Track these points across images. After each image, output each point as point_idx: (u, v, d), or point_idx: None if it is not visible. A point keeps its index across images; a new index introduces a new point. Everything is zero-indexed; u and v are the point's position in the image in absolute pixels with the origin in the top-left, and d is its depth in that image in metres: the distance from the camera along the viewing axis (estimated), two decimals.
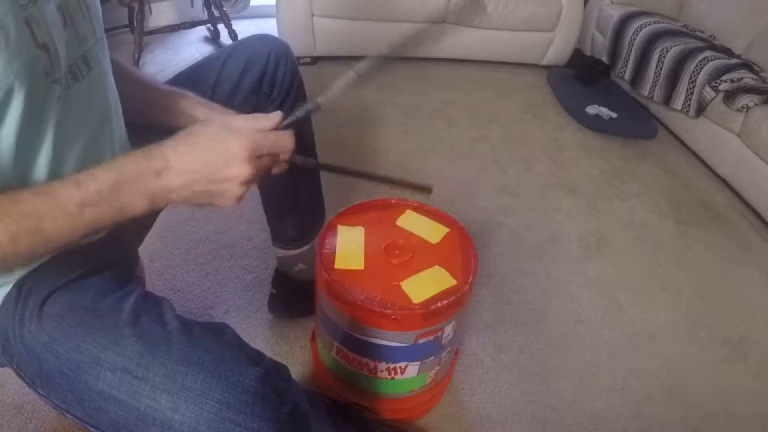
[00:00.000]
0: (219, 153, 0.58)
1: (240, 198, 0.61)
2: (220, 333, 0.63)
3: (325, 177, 1.17)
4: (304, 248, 1.20)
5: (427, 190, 0.94)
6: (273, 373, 0.61)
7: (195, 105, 0.85)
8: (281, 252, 1.22)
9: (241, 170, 0.59)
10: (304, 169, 1.07)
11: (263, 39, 1.00)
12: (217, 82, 0.95)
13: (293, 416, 0.60)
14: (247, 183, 0.60)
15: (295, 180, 1.11)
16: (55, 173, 0.62)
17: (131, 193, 0.56)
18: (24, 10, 0.52)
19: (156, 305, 0.64)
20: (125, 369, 0.58)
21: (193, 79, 0.94)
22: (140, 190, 0.56)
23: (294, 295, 1.25)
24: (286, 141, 0.66)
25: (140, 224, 0.98)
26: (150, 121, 0.86)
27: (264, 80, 0.97)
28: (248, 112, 0.96)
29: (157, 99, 0.85)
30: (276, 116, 0.66)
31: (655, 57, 2.25)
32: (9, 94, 0.53)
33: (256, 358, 0.62)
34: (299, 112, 0.74)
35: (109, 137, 0.71)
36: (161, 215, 1.02)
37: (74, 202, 0.54)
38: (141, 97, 0.83)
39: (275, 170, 0.73)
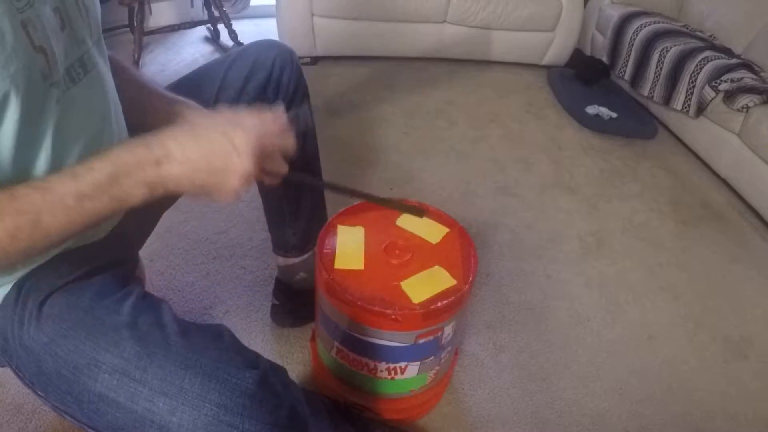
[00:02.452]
0: (222, 145, 0.58)
1: (238, 192, 0.60)
2: (217, 335, 0.63)
3: (325, 176, 1.17)
4: (305, 256, 1.20)
5: (419, 212, 0.96)
6: (271, 376, 0.61)
7: (196, 115, 0.85)
8: (282, 260, 1.22)
9: (242, 164, 0.58)
10: (302, 185, 1.07)
11: (268, 44, 0.99)
12: (221, 88, 0.94)
13: (291, 419, 0.60)
14: (247, 177, 0.59)
15: (298, 189, 1.11)
16: None
17: (130, 183, 0.56)
18: (20, 13, 0.52)
19: (154, 307, 0.64)
20: (123, 371, 0.58)
21: (197, 83, 0.94)
22: (139, 180, 0.56)
23: (297, 304, 1.24)
24: (288, 142, 0.66)
25: (142, 227, 0.98)
26: (152, 127, 0.85)
27: (269, 86, 0.97)
28: None
29: (160, 106, 0.84)
30: (282, 116, 0.66)
31: (655, 57, 2.25)
32: (6, 98, 0.53)
33: (254, 360, 0.62)
34: (301, 113, 0.75)
35: (109, 139, 0.70)
36: (161, 217, 1.03)
37: (72, 196, 0.53)
38: (144, 102, 0.83)
39: (267, 180, 0.72)
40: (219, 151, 0.58)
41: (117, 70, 0.75)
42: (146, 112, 0.83)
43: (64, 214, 0.54)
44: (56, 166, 0.61)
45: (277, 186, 1.09)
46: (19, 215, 0.52)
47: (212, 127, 0.59)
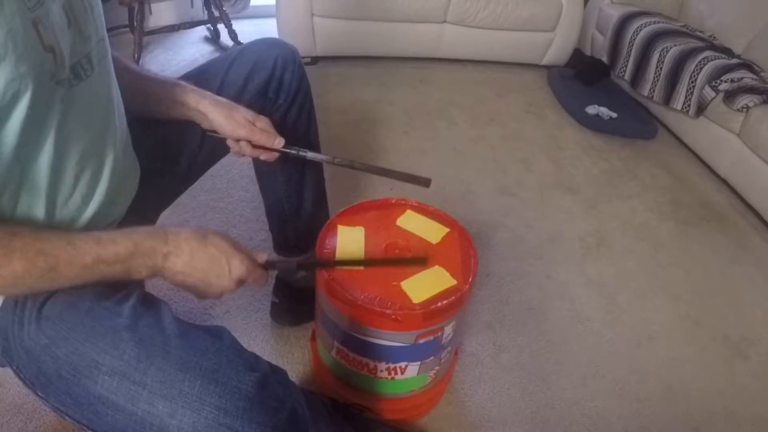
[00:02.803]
0: (220, 266, 0.68)
1: (218, 298, 0.72)
2: (217, 338, 0.63)
3: (326, 176, 1.17)
4: (306, 255, 1.20)
5: (424, 182, 0.95)
6: (271, 378, 0.61)
7: (187, 92, 0.86)
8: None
9: (229, 285, 0.70)
10: (307, 164, 1.08)
11: (271, 43, 0.99)
12: (222, 86, 0.94)
13: (291, 422, 0.60)
14: (227, 292, 0.71)
15: (299, 188, 1.10)
16: (57, 172, 0.62)
17: (140, 263, 0.63)
18: (31, 12, 0.52)
19: (154, 309, 0.64)
20: (123, 373, 0.58)
21: (198, 81, 0.94)
22: (148, 264, 0.64)
23: (296, 302, 1.24)
24: (262, 280, 0.75)
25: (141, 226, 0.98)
26: (147, 111, 0.86)
27: (270, 85, 0.96)
28: None
29: (152, 88, 0.85)
30: (264, 256, 0.75)
31: (655, 57, 2.25)
32: (15, 97, 0.53)
33: (254, 363, 0.62)
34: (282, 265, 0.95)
35: (112, 136, 0.71)
36: (160, 216, 1.03)
37: (91, 257, 0.60)
38: (137, 87, 0.83)
39: (263, 156, 0.91)
40: (217, 270, 0.68)
41: (113, 62, 0.75)
42: (143, 98, 0.85)
43: (78, 269, 0.59)
44: (58, 163, 0.61)
45: (278, 186, 1.10)
46: (40, 256, 0.56)
47: (219, 248, 0.68)
